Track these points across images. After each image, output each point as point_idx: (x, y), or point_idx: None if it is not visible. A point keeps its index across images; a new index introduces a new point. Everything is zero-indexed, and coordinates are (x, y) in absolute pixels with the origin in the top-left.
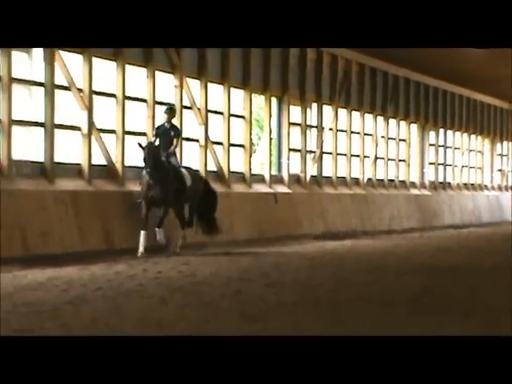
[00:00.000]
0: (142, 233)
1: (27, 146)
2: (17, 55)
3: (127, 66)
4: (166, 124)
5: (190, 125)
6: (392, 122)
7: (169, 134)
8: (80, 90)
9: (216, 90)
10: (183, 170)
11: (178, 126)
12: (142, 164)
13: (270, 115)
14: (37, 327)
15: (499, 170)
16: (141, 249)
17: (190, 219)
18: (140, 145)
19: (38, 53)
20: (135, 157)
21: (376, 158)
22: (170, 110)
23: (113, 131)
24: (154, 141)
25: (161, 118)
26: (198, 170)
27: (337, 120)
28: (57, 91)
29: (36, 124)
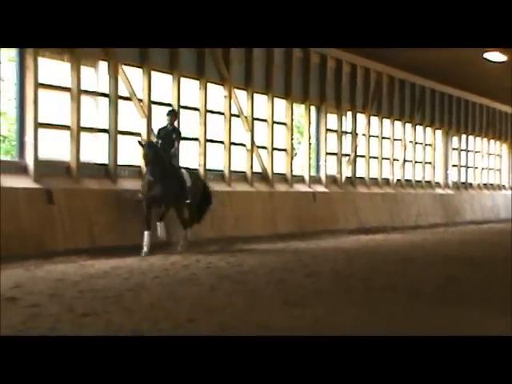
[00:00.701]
0: (146, 233)
1: (93, 150)
2: (85, 69)
3: (182, 79)
4: (168, 126)
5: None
6: (419, 128)
7: (170, 136)
8: (140, 100)
9: (261, 100)
10: (183, 171)
11: (180, 129)
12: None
13: (309, 122)
14: (101, 311)
15: None
16: (145, 249)
17: (192, 219)
18: (140, 142)
19: (103, 67)
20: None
21: (404, 160)
22: (172, 113)
23: None
24: (157, 142)
25: (164, 119)
26: (197, 170)
27: (369, 126)
28: (119, 101)
29: (101, 130)
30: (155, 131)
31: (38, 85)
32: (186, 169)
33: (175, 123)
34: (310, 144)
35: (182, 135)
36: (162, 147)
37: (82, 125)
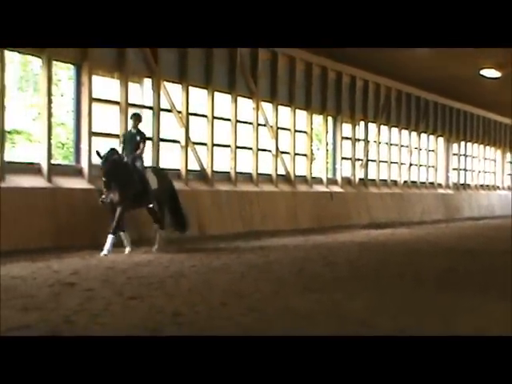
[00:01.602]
0: (110, 237)
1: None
2: (132, 85)
3: (215, 93)
4: (132, 129)
5: (263, 138)
6: (423, 135)
7: (135, 139)
8: (179, 112)
9: (284, 111)
10: (149, 172)
11: (145, 132)
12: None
13: (327, 131)
14: (146, 295)
15: (509, 174)
16: (105, 251)
17: (161, 219)
18: (98, 153)
19: (148, 83)
20: (222, 163)
21: (410, 164)
22: (136, 116)
23: (204, 144)
24: (122, 145)
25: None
26: (165, 170)
27: (379, 134)
28: (161, 113)
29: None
30: (120, 136)
31: (92, 99)
32: (154, 169)
33: (139, 126)
34: (327, 150)
35: (163, 137)
36: (128, 150)
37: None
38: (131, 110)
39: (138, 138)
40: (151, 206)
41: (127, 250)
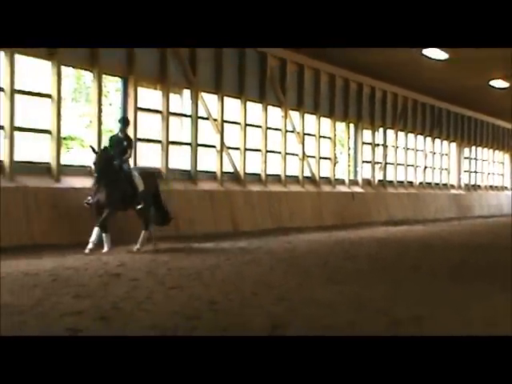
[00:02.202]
0: (95, 230)
1: (178, 159)
2: (172, 96)
3: (248, 102)
4: (119, 133)
5: (291, 144)
6: (437, 141)
7: (122, 143)
8: (215, 120)
9: (310, 119)
10: (136, 175)
11: (131, 136)
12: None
13: (349, 137)
14: (185, 285)
15: None
16: (90, 245)
17: (147, 220)
18: (92, 148)
19: (187, 94)
20: (254, 166)
21: (425, 167)
22: (123, 120)
23: (237, 148)
24: (108, 149)
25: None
26: (152, 171)
27: (397, 139)
28: (199, 121)
29: (185, 144)
30: (107, 139)
31: (137, 108)
32: (140, 171)
33: (127, 130)
34: (349, 154)
35: (147, 138)
36: (116, 154)
37: (171, 139)
38: (172, 118)
39: (126, 143)
40: (139, 207)
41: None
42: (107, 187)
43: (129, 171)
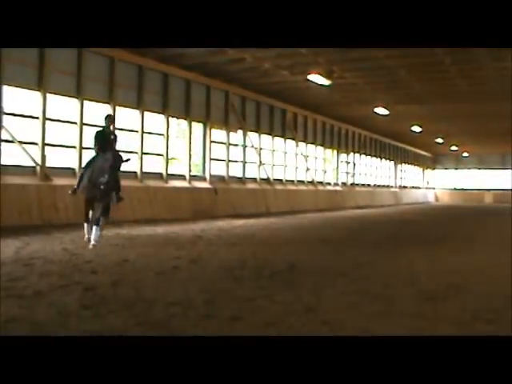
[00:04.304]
0: (86, 225)
1: (234, 170)
2: (231, 133)
3: (287, 140)
4: (105, 129)
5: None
6: (384, 161)
7: (109, 137)
8: (256, 148)
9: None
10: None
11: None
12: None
13: (332, 157)
14: (240, 243)
15: (427, 182)
16: (87, 235)
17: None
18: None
19: (240, 132)
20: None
21: (376, 176)
22: (109, 118)
23: (270, 164)
24: (94, 141)
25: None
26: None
27: (360, 159)
28: (246, 149)
29: (238, 161)
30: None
31: (211, 141)
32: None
33: (111, 127)
34: (336, 167)
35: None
36: (102, 146)
37: (230, 158)
38: (231, 148)
39: (112, 137)
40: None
41: (87, 237)
42: (111, 175)
43: (115, 166)
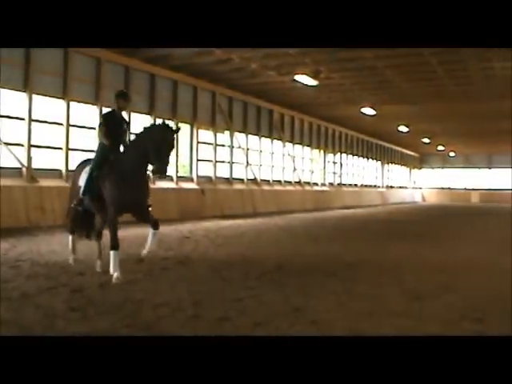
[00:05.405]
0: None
1: (223, 171)
2: (219, 134)
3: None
4: (115, 110)
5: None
6: (371, 161)
7: (122, 125)
8: (243, 149)
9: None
10: None
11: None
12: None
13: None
14: (226, 243)
15: (414, 181)
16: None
17: None
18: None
19: (226, 133)
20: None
21: (363, 176)
22: (123, 95)
23: (258, 165)
24: (104, 128)
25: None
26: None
27: (347, 159)
28: (234, 149)
29: (225, 162)
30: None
31: (198, 142)
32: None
33: (123, 113)
34: (324, 167)
35: None
36: (113, 137)
37: (218, 159)
38: (219, 149)
39: (126, 125)
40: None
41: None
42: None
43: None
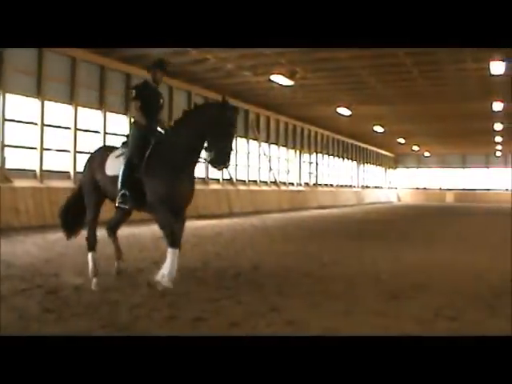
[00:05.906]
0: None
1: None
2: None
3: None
4: (150, 83)
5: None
6: (347, 161)
7: (158, 100)
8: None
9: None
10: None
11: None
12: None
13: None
14: (188, 256)
15: (389, 181)
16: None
17: None
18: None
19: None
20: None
21: (338, 176)
22: (160, 65)
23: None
24: (139, 103)
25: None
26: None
27: (327, 160)
28: None
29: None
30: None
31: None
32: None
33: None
34: (300, 168)
35: None
36: (150, 115)
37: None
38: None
39: (162, 102)
40: None
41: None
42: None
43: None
